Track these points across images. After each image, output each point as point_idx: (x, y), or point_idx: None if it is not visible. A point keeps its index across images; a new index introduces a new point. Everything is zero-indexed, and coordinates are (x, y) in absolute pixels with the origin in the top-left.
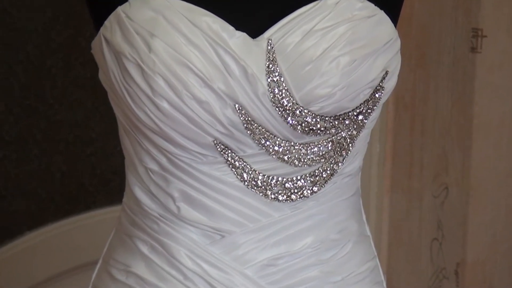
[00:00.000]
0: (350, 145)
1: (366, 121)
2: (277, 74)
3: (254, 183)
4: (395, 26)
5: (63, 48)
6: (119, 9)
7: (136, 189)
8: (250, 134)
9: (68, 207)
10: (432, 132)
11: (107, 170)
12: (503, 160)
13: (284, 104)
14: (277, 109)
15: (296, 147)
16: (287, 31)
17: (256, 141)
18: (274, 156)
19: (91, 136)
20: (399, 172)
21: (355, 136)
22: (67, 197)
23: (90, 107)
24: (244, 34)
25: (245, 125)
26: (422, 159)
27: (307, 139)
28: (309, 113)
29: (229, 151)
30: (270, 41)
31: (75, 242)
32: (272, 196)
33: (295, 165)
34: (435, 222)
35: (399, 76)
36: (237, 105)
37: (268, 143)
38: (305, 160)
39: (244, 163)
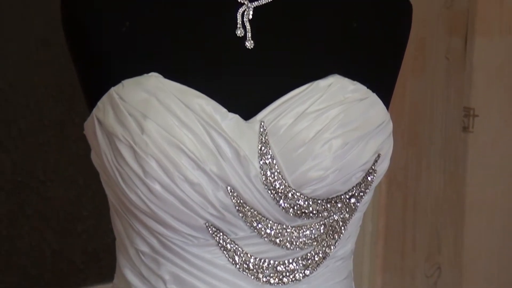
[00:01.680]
0: (343, 228)
1: (358, 204)
2: (269, 156)
3: (246, 266)
4: (388, 108)
5: (55, 125)
6: (112, 90)
7: (127, 271)
8: (242, 216)
9: (59, 284)
10: (425, 211)
11: (99, 248)
12: (496, 239)
13: (276, 187)
14: (269, 191)
15: (288, 230)
16: (279, 113)
17: (248, 224)
18: (266, 239)
19: (83, 213)
20: (392, 251)
21: (348, 219)
22: (58, 275)
23: (82, 184)
24: (237, 116)
25: (237, 207)
26: (415, 238)
27: (299, 222)
28: (302, 196)
29: (221, 234)
30: (262, 124)
31: None
32: (264, 279)
33: (287, 248)
34: None
35: (391, 155)
36: (229, 188)
37: (260, 225)
38: (297, 243)
39: (236, 246)
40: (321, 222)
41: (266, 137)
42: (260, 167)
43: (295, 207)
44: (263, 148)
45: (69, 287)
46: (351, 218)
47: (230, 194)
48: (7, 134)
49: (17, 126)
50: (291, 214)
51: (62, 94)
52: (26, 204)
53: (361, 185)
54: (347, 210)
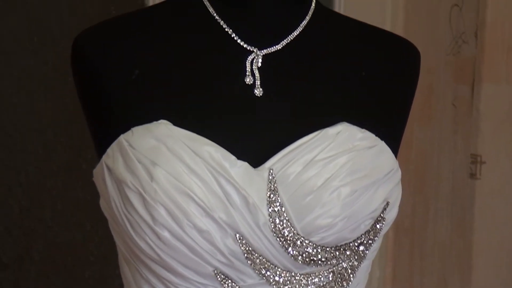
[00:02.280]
0: (352, 275)
1: (367, 251)
2: (278, 204)
3: None
4: (396, 155)
5: (63, 170)
6: (122, 138)
7: None
8: (251, 264)
9: None
10: (432, 257)
11: None
12: (504, 285)
13: (285, 235)
14: (278, 239)
15: (296, 278)
16: (288, 161)
17: (256, 271)
18: (274, 286)
19: (90, 259)
20: None
21: (356, 267)
22: None
23: (89, 230)
24: (246, 163)
25: (245, 255)
26: (422, 284)
27: (307, 269)
28: (310, 243)
29: (229, 281)
30: (271, 171)
31: None
32: None
33: None
34: None
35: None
36: (237, 235)
37: (268, 273)
38: None
39: None
40: (329, 270)
41: (275, 185)
42: (269, 215)
43: (304, 255)
44: (272, 195)
45: None
46: (360, 265)
47: (239, 241)
48: (16, 180)
49: (26, 172)
50: (300, 262)
51: (71, 141)
52: (33, 249)
53: (370, 233)
54: (356, 257)
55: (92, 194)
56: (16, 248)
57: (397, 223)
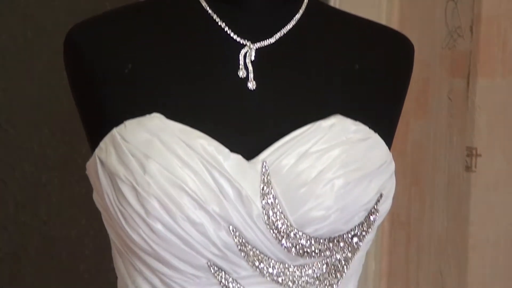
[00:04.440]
0: (345, 267)
1: (361, 243)
2: (271, 196)
3: None
4: (390, 147)
5: (58, 165)
6: (115, 131)
7: None
8: (244, 256)
9: None
10: (428, 250)
11: None
12: (499, 279)
13: (279, 227)
14: (271, 231)
15: (290, 269)
16: (281, 153)
17: (250, 263)
18: (268, 278)
19: (85, 253)
20: None
21: (350, 259)
22: None
23: (84, 224)
24: (239, 156)
25: (239, 247)
26: (418, 277)
27: (301, 261)
28: (304, 235)
29: (223, 273)
30: (264, 164)
31: None
32: None
33: (290, 287)
34: None
35: (393, 194)
36: (231, 227)
37: (262, 265)
38: (300, 282)
39: (238, 285)
40: (323, 261)
41: (268, 177)
42: (262, 207)
43: (297, 247)
44: (265, 188)
45: None
46: (353, 257)
47: (232, 233)
48: (11, 175)
49: (21, 167)
50: (294, 254)
51: (65, 136)
52: (29, 244)
53: (364, 225)
54: (350, 249)
55: (87, 189)
56: (11, 243)
57: (393, 216)
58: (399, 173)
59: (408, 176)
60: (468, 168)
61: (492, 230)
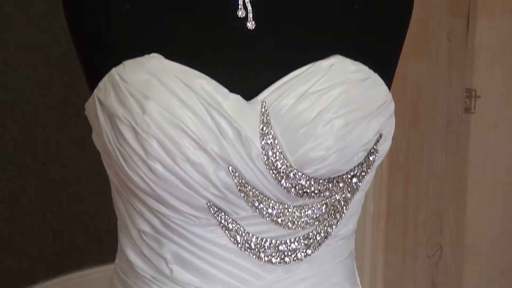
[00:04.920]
0: (344, 207)
1: (360, 184)
2: (271, 136)
3: (248, 245)
4: (389, 87)
5: (57, 106)
6: (113, 71)
7: (129, 251)
8: (244, 196)
9: (60, 265)
10: (427, 191)
11: (100, 229)
12: (498, 219)
13: (278, 167)
14: (271, 171)
15: (289, 210)
16: (281, 93)
17: (249, 204)
18: (267, 219)
19: (84, 194)
20: (393, 232)
21: (349, 199)
22: (59, 256)
23: (83, 165)
24: (238, 96)
25: (238, 187)
26: (416, 218)
27: (301, 201)
28: (303, 175)
29: (223, 214)
30: (264, 104)
31: None
32: (266, 259)
33: (289, 228)
34: (429, 282)
35: (393, 135)
36: (230, 168)
37: (261, 205)
38: (299, 223)
39: (238, 226)
40: (322, 202)
41: (268, 117)
42: (262, 147)
43: (297, 187)
44: (264, 128)
45: (71, 268)
46: (353, 197)
47: (232, 174)
48: (10, 117)
49: (20, 108)
50: (293, 194)
51: (64, 77)
52: (28, 185)
53: (363, 165)
54: (349, 189)
55: (86, 130)
56: (10, 185)
57: (391, 158)
58: (398, 114)
59: (407, 117)
60: (467, 110)
61: (491, 170)
